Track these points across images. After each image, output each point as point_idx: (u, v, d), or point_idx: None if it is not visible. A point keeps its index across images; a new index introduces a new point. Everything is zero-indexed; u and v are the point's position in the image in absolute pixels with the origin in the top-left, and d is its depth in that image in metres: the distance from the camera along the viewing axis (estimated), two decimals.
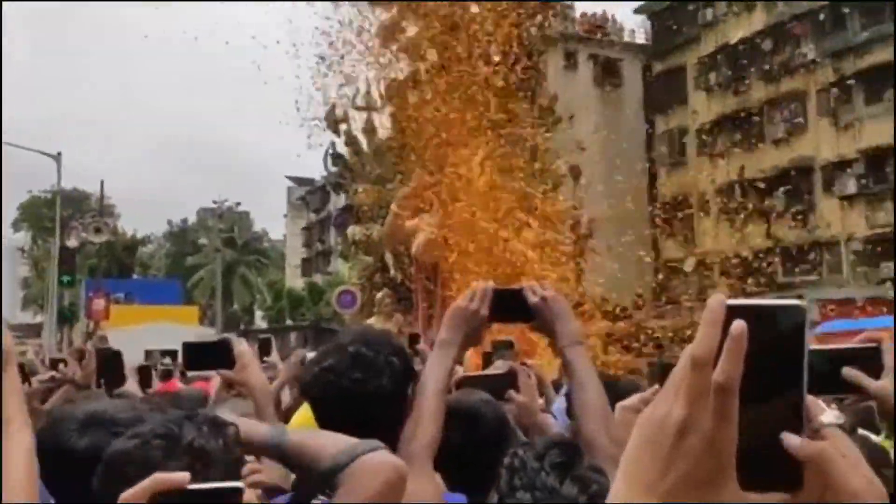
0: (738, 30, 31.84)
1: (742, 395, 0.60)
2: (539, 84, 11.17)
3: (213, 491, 0.98)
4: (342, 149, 11.63)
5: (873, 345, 1.44)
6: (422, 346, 3.43)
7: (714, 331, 0.61)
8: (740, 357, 0.60)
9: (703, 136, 31.83)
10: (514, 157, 10.43)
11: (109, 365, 3.64)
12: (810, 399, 0.65)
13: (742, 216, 29.21)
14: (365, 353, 1.69)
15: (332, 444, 1.36)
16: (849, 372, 1.38)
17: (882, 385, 1.41)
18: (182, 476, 0.99)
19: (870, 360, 1.42)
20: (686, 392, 0.61)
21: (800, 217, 29.57)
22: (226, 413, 1.35)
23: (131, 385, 3.65)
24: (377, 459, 1.31)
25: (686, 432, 0.60)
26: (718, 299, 0.62)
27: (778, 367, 0.62)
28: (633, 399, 2.22)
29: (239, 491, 0.99)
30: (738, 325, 0.60)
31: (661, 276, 22.89)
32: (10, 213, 55.35)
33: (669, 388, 0.62)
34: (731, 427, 0.60)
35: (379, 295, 9.59)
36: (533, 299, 1.78)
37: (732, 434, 0.60)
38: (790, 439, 0.62)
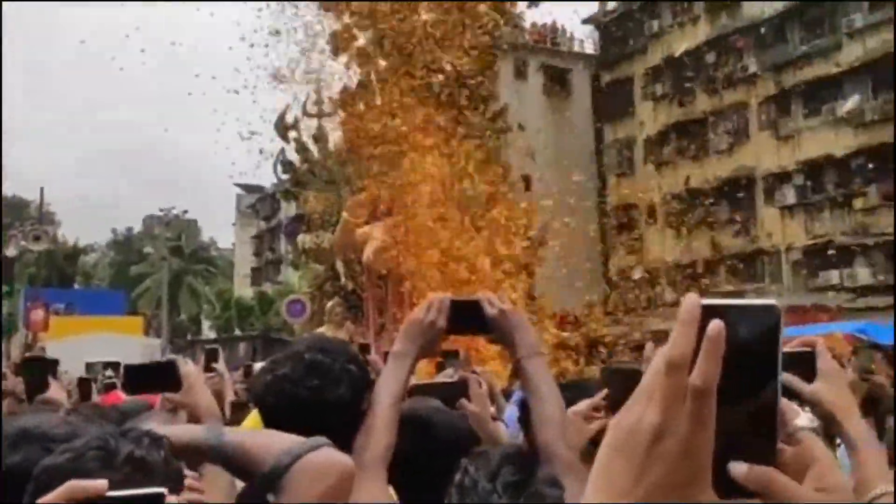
0: (683, 42, 32.29)
1: (716, 398, 0.59)
2: (490, 93, 11.13)
3: (134, 498, 0.93)
4: (293, 156, 11.52)
5: (808, 349, 1.43)
6: (372, 356, 3.16)
7: (690, 331, 0.59)
8: (718, 358, 0.58)
9: (650, 146, 31.44)
10: (464, 163, 10.49)
11: (31, 371, 3.59)
12: (784, 402, 0.64)
13: (687, 226, 29.69)
14: (322, 361, 1.65)
15: (276, 443, 1.29)
16: (784, 377, 1.20)
17: (815, 389, 1.42)
18: (100, 483, 0.93)
19: (805, 364, 1.42)
20: (661, 396, 0.58)
21: (742, 226, 30.21)
22: (156, 424, 1.31)
23: (55, 391, 3.51)
24: (321, 459, 1.24)
25: (661, 437, 0.58)
26: (693, 299, 0.60)
27: (752, 369, 0.61)
28: (583, 405, 2.25)
29: (161, 496, 0.94)
30: (716, 325, 0.58)
31: (610, 286, 23.10)
32: None
33: (641, 392, 0.60)
34: (708, 431, 0.58)
35: (329, 304, 9.43)
36: (490, 311, 1.74)
37: (709, 438, 0.58)
38: (735, 468, 0.61)
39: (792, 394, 1.37)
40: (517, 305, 10.23)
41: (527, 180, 12.61)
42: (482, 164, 10.64)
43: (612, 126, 34.48)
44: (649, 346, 2.24)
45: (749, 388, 0.61)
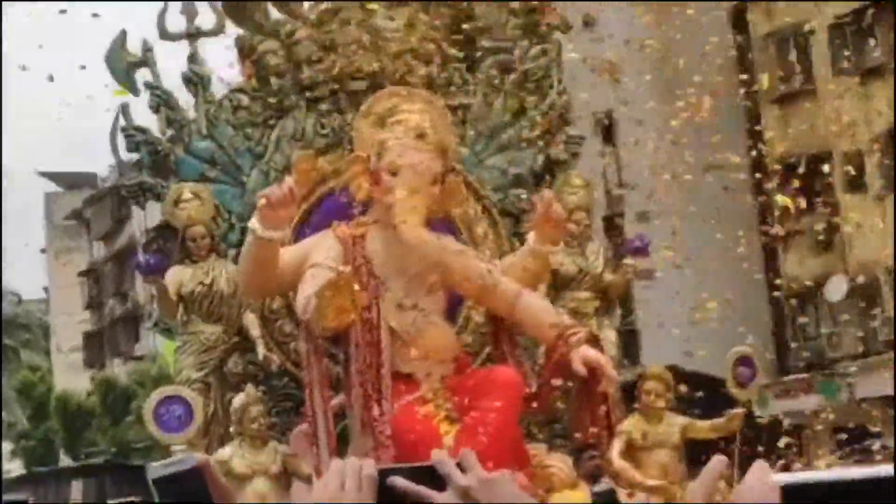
0: None
1: None
2: None
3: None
4: (145, 116, 8.93)
5: None
6: None
7: None
8: None
9: (838, 36, 23.79)
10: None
11: None
12: None
13: None
14: None
15: None
16: None
17: None
18: None
19: None
20: None
21: None
22: None
23: None
24: None
25: None
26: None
27: None
28: None
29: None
30: None
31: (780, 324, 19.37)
32: None
33: None
34: None
35: (237, 400, 7.27)
36: (459, 483, 1.88)
37: None
38: None
39: None
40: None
41: (607, 126, 10.05)
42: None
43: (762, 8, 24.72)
44: None
45: None
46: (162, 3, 9.49)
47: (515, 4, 9.88)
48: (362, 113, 7.06)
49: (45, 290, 52.74)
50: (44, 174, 47.42)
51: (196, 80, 9.17)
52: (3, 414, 44.99)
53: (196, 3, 9.08)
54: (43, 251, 50.97)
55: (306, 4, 8.74)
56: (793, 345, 27.16)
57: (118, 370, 43.07)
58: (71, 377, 45.94)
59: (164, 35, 9.13)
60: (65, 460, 40.40)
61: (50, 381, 45.92)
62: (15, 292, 50.40)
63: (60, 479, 29.97)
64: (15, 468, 44.65)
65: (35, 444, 43.64)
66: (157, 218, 9.96)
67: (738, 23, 25.85)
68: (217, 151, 8.89)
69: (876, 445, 14.27)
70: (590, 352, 6.66)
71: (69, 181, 48.49)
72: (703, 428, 7.40)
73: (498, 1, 9.93)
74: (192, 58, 9.13)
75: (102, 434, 38.24)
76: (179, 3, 9.39)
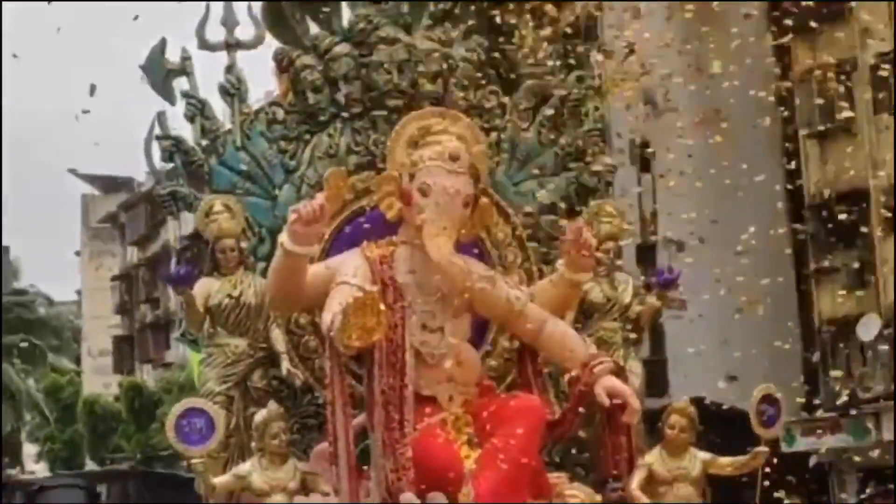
0: None
1: None
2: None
3: None
4: (180, 125, 8.81)
5: None
6: None
7: None
8: None
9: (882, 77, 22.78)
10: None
11: None
12: None
13: None
14: None
15: None
16: None
17: None
18: None
19: None
20: None
21: None
22: None
23: None
24: None
25: None
26: None
27: None
28: None
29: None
30: None
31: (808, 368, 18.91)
32: None
33: None
34: None
35: (259, 416, 7.09)
36: None
37: None
38: None
39: None
40: None
41: (643, 155, 10.11)
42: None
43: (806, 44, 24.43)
44: None
45: None
46: (203, 10, 9.31)
47: (553, 29, 9.78)
48: (397, 132, 6.94)
49: (78, 293, 52.50)
50: (81, 176, 47.52)
51: (233, 91, 9.06)
52: (31, 415, 45.08)
53: (236, 14, 8.99)
54: (77, 254, 50.81)
55: (346, 21, 8.59)
56: (822, 383, 26.81)
57: (147, 376, 42.84)
58: (99, 381, 45.88)
59: (203, 45, 9.03)
60: (90, 465, 40.32)
61: (78, 384, 45.72)
62: (46, 294, 50.23)
63: (86, 481, 29.80)
64: (40, 470, 44.69)
65: (61, 446, 43.54)
66: (192, 225, 9.79)
67: (781, 57, 25.24)
68: (250, 164, 8.75)
69: None
70: (614, 382, 6.58)
71: (106, 184, 48.56)
72: (726, 464, 7.20)
73: None
74: (230, 68, 9.02)
75: (128, 439, 38.04)
76: (220, 13, 9.24)
